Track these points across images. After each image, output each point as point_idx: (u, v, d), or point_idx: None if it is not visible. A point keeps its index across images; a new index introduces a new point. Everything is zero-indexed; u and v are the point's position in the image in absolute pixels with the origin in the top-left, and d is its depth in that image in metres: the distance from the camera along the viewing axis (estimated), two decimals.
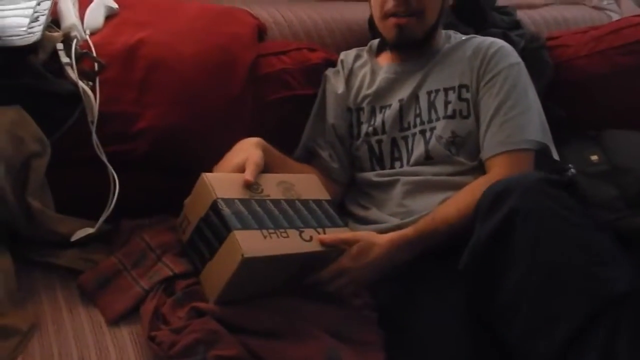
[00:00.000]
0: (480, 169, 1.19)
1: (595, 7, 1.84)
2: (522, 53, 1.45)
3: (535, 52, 1.50)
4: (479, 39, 1.28)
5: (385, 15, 1.24)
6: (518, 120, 1.16)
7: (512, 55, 1.25)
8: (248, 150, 1.09)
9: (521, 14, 1.66)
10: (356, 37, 1.48)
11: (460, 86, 1.22)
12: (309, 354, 0.99)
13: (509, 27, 1.55)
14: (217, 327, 0.99)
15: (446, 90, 1.23)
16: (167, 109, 1.19)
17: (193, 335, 0.97)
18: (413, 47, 1.28)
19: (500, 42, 1.27)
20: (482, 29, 1.51)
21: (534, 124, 1.17)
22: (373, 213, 1.21)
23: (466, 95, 1.22)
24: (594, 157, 1.33)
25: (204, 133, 1.23)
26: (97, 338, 1.03)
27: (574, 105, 1.29)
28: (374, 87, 1.30)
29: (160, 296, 1.09)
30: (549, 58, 1.54)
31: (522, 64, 1.25)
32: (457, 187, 1.15)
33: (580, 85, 1.53)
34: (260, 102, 1.31)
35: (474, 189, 1.08)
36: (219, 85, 1.25)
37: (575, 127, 1.24)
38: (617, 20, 1.73)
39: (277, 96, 1.33)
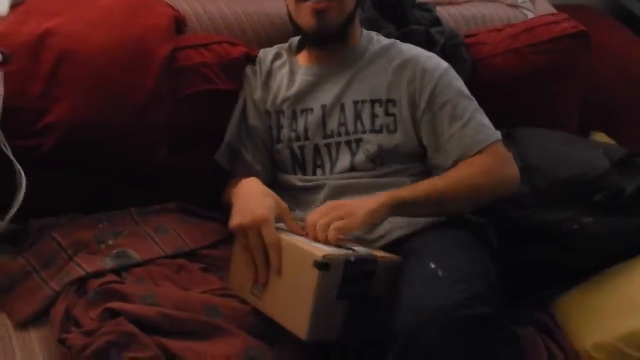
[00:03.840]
0: (406, 171, 1.21)
1: (511, 5, 1.88)
2: (442, 50, 1.49)
3: (454, 48, 1.54)
4: (405, 52, 1.27)
5: None
6: (477, 120, 1.20)
7: (440, 63, 1.26)
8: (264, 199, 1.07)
9: (440, 10, 1.68)
10: (279, 31, 1.45)
11: (388, 100, 1.22)
12: (229, 354, 0.98)
13: (429, 24, 1.58)
14: (132, 328, 0.97)
15: (373, 102, 1.23)
16: (77, 102, 1.15)
17: (105, 337, 0.95)
18: (333, 39, 1.25)
19: (424, 57, 1.26)
20: (403, 26, 1.53)
21: (486, 119, 1.22)
22: (297, 214, 1.19)
23: (393, 110, 1.22)
24: None
25: (117, 127, 1.20)
26: (2, 342, 0.99)
27: (489, 102, 1.32)
28: (293, 90, 1.28)
29: (71, 297, 1.06)
30: (467, 55, 1.58)
31: (449, 66, 1.27)
32: (382, 187, 1.17)
33: (495, 82, 1.57)
34: (178, 96, 1.28)
35: (474, 168, 1.16)
36: (133, 78, 1.21)
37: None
38: (531, 19, 1.79)
39: (195, 89, 1.30)
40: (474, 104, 1.24)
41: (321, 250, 0.95)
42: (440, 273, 0.98)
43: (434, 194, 1.12)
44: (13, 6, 1.21)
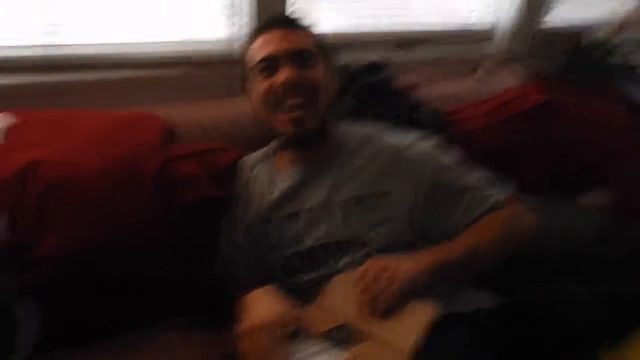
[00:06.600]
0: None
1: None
2: (429, 128, 1.49)
3: (439, 126, 1.55)
4: (389, 143, 1.25)
5: (274, 106, 1.18)
6: (486, 182, 1.23)
7: (426, 146, 1.26)
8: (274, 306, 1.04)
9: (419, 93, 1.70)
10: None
11: (377, 194, 1.19)
12: None
13: (412, 106, 1.60)
14: None
15: (361, 198, 1.19)
16: (71, 232, 1.10)
17: None
18: (312, 140, 1.23)
19: (407, 144, 1.25)
20: (388, 110, 1.53)
21: (486, 180, 1.24)
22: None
23: (384, 201, 1.18)
24: None
25: (116, 251, 1.14)
26: None
27: None
28: (275, 194, 1.23)
29: None
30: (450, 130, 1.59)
31: (431, 142, 1.27)
32: None
33: (480, 154, 1.56)
34: (174, 209, 1.23)
35: (500, 221, 1.17)
36: (125, 199, 1.16)
37: None
38: (502, 94, 1.84)
39: (190, 200, 1.25)
40: (471, 170, 1.24)
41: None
42: None
43: (471, 251, 1.11)
44: None
